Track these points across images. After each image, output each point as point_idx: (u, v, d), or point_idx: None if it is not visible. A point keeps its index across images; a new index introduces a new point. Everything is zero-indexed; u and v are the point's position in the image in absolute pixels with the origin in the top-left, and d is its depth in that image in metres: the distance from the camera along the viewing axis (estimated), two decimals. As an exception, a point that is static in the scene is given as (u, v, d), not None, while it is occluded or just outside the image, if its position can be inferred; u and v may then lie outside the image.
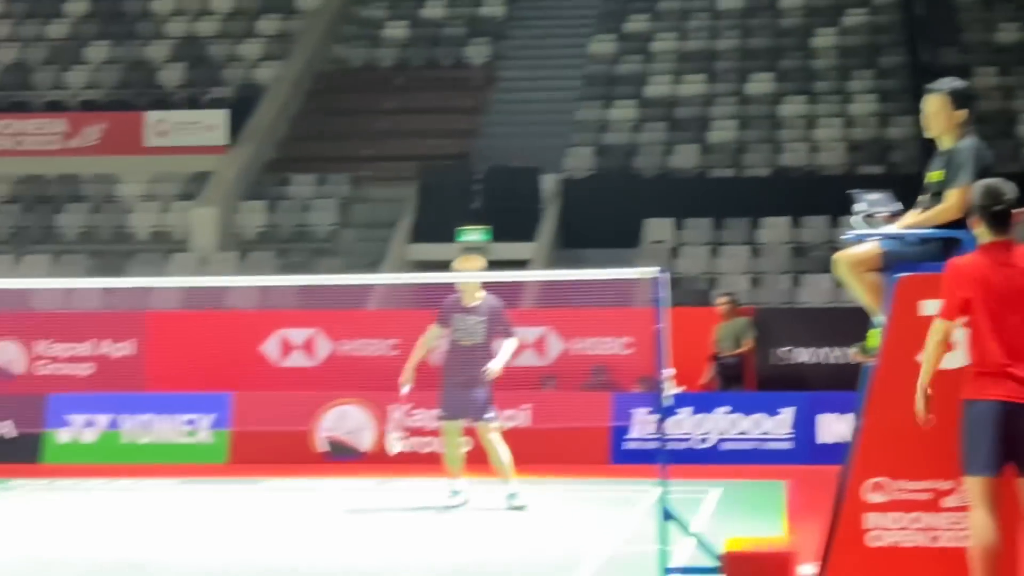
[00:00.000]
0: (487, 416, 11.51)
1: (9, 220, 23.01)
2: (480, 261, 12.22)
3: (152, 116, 23.55)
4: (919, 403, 5.98)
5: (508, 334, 11.62)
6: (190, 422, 16.89)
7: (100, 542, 10.73)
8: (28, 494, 14.12)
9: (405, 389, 11.84)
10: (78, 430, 16.98)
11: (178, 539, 10.84)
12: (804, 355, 17.71)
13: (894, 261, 6.91)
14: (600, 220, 21.75)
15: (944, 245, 6.79)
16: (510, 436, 13.14)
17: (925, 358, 6.02)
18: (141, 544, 10.71)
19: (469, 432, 12.16)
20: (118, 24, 27.66)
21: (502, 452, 11.55)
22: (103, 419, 17.01)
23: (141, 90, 25.36)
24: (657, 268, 8.70)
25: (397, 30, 26.85)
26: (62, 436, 16.80)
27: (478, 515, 11.95)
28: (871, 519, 6.83)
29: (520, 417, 15.83)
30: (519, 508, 11.53)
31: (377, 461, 15.34)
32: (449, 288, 12.52)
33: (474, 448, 12.88)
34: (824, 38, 24.80)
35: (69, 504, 13.41)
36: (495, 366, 11.44)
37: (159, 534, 11.17)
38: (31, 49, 26.94)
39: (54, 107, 24.59)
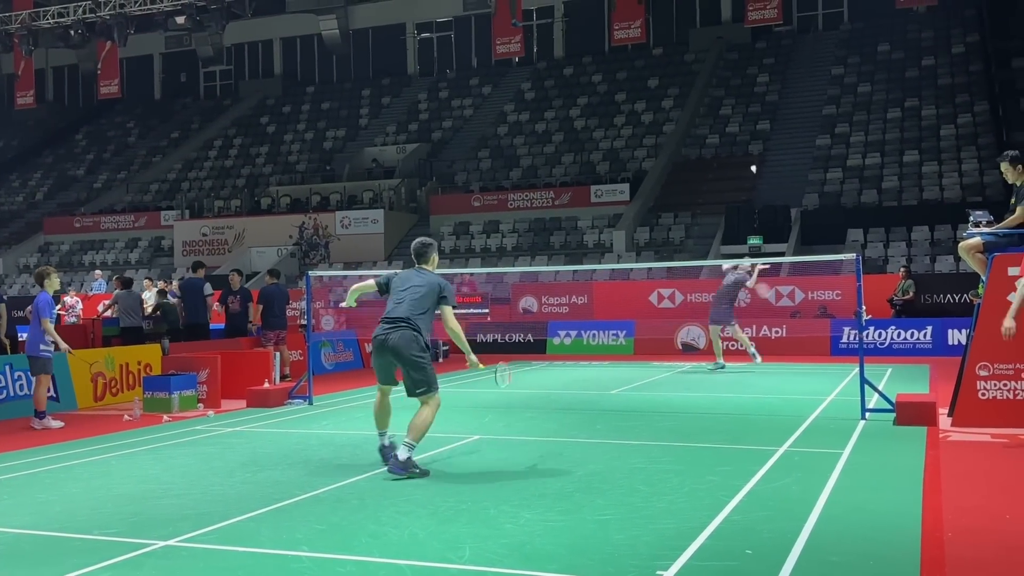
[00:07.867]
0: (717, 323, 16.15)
1: (527, 240, 30.67)
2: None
3: (593, 188, 31.77)
4: (1009, 322, 7.39)
5: None
6: (615, 334, 21.75)
7: (585, 380, 15.37)
8: (541, 369, 18.36)
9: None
10: (562, 338, 22.29)
11: (612, 382, 14.67)
12: (939, 298, 21.13)
13: (992, 247, 8.36)
14: (822, 230, 25.94)
15: (1019, 238, 8.38)
16: (776, 343, 18.55)
17: (1016, 297, 7.46)
18: (600, 380, 14.68)
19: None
20: (578, 144, 34.73)
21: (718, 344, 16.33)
22: (573, 332, 22.40)
23: (588, 175, 33.28)
24: (854, 254, 10.42)
25: (713, 138, 33.62)
26: (555, 341, 22.21)
27: (763, 373, 14.38)
28: (979, 384, 8.44)
29: (783, 331, 20.17)
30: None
31: (708, 352, 18.36)
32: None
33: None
34: (947, 129, 30.27)
35: (561, 371, 17.37)
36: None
37: (611, 379, 15.12)
38: (539, 146, 34.39)
39: (549, 184, 32.72)
